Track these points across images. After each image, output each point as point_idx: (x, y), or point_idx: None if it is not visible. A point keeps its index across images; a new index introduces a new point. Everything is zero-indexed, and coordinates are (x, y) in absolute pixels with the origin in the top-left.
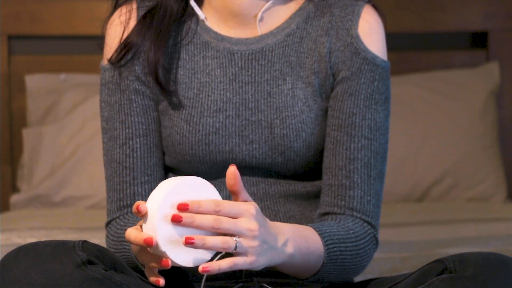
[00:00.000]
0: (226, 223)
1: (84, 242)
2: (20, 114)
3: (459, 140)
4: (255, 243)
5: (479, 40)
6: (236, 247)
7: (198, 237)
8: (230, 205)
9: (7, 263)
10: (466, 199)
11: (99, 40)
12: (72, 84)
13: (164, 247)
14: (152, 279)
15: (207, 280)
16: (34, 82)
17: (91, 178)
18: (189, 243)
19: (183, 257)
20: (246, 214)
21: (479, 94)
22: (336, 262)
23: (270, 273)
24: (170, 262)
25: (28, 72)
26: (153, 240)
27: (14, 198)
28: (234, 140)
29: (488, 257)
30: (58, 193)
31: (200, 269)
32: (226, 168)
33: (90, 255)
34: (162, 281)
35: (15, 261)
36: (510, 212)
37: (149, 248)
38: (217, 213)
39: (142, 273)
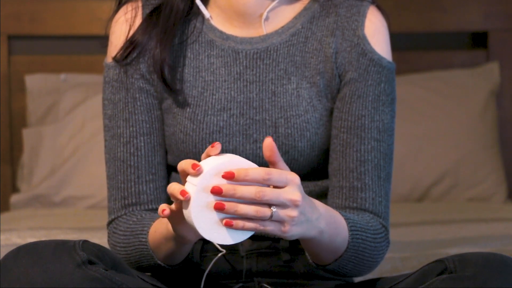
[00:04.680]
0: (269, 195)
1: (85, 242)
2: (20, 114)
3: (459, 140)
4: (294, 213)
5: (479, 40)
6: (271, 216)
7: (230, 204)
8: (278, 174)
9: (7, 263)
10: (466, 199)
11: (102, 39)
12: (72, 84)
13: (194, 209)
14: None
15: (207, 280)
16: (34, 82)
17: (91, 178)
18: (219, 208)
19: (205, 228)
20: (291, 183)
21: (479, 94)
22: (358, 250)
23: (270, 273)
24: (188, 197)
25: (28, 72)
26: (187, 196)
27: (14, 198)
28: (238, 139)
29: (488, 257)
30: (58, 193)
31: (224, 222)
32: None
33: (91, 254)
34: (167, 211)
35: (15, 261)
36: (510, 212)
37: (182, 203)
38: (265, 181)
39: (143, 272)
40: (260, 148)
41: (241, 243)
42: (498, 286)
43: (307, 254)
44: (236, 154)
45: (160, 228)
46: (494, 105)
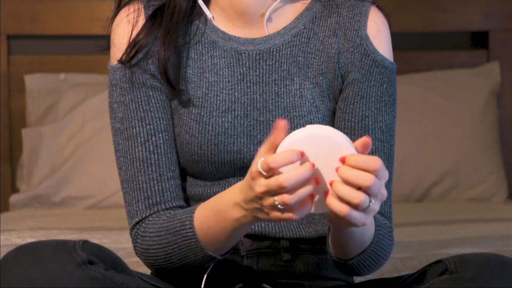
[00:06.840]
0: (377, 186)
1: (85, 241)
2: (20, 114)
3: (459, 140)
4: (378, 206)
5: (479, 40)
6: (368, 207)
7: (338, 183)
8: (383, 168)
9: (7, 263)
10: (466, 200)
11: (102, 39)
12: (72, 84)
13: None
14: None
15: (207, 280)
16: (33, 82)
17: (90, 178)
18: (316, 181)
19: None
20: (385, 178)
21: (479, 94)
22: (378, 246)
23: (270, 273)
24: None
25: (27, 72)
26: (303, 154)
27: (14, 198)
28: (242, 140)
29: (489, 258)
30: (58, 193)
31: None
32: (233, 168)
33: (91, 254)
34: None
35: (15, 261)
36: (510, 212)
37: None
38: (374, 171)
39: (182, 271)
40: None
41: (242, 242)
42: (498, 286)
43: (330, 245)
44: (240, 155)
45: (214, 216)
46: (495, 105)
